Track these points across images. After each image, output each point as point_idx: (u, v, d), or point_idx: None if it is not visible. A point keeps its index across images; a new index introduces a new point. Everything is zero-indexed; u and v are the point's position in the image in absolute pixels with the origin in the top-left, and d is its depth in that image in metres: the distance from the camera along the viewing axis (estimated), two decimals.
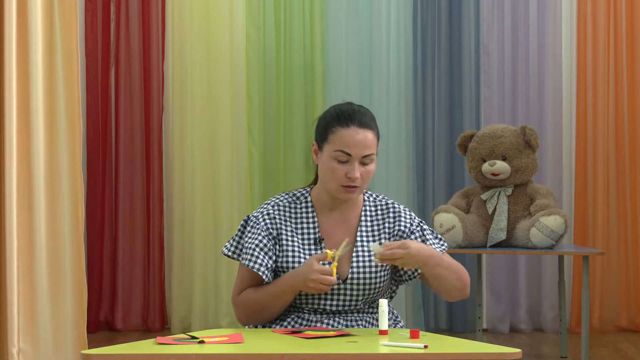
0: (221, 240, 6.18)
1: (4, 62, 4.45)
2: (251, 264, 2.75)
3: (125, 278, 6.29)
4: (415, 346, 2.34)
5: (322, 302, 2.75)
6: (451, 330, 6.26)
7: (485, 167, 5.08)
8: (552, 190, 5.22)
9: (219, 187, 6.23)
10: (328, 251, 2.66)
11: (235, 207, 6.21)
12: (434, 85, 6.26)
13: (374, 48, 6.28)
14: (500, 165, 5.05)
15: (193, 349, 2.33)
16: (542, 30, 6.27)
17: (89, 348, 4.41)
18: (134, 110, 6.29)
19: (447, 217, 4.99)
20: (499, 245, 5.06)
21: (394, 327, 2.83)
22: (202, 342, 2.41)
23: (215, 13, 6.25)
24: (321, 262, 2.67)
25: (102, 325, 6.29)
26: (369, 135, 2.74)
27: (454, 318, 6.27)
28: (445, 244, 2.88)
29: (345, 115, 2.75)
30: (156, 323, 6.25)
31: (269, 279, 2.76)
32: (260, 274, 2.74)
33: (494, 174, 5.07)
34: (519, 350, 2.30)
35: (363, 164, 2.74)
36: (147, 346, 2.39)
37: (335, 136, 2.74)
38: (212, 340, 2.43)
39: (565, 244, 5.41)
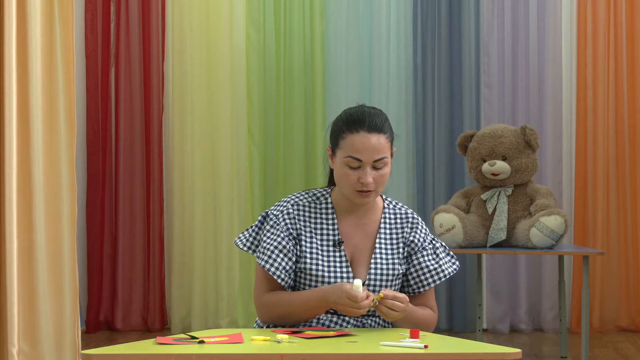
0: (221, 240, 6.18)
1: (4, 62, 4.45)
2: (267, 265, 2.74)
3: (125, 278, 6.29)
4: (415, 346, 2.33)
5: None
6: (451, 330, 6.26)
7: (485, 167, 5.08)
8: (552, 190, 5.22)
9: (219, 187, 6.23)
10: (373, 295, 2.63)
11: (235, 207, 6.21)
12: (434, 85, 6.26)
13: (374, 48, 6.28)
14: (500, 165, 5.05)
15: (193, 349, 2.33)
16: (542, 30, 6.28)
17: (89, 348, 4.41)
18: (134, 110, 6.29)
19: (447, 217, 4.99)
20: (499, 245, 5.06)
21: (389, 326, 2.83)
22: (202, 342, 2.41)
23: (215, 13, 6.25)
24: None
25: (102, 325, 6.28)
26: (379, 139, 2.73)
27: (454, 318, 6.27)
28: (457, 263, 2.88)
29: (355, 120, 2.74)
30: (156, 323, 6.25)
31: (285, 283, 2.75)
32: (276, 277, 2.74)
33: (494, 174, 5.07)
34: (519, 350, 2.29)
35: (375, 168, 2.73)
36: (147, 346, 2.39)
37: (345, 142, 2.73)
38: (212, 340, 2.43)
39: (565, 244, 5.41)
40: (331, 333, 2.55)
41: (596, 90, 6.22)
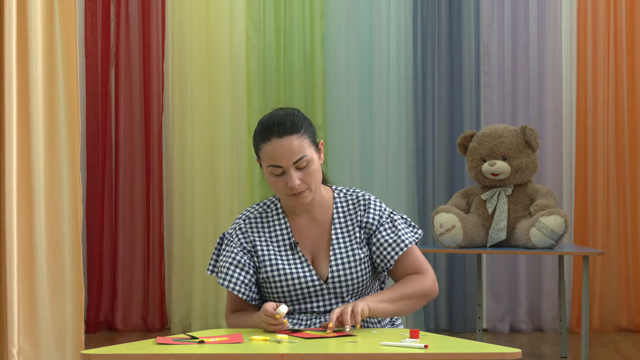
0: None
1: (4, 62, 4.45)
2: (225, 282, 2.77)
3: (125, 278, 6.30)
4: (415, 346, 2.34)
5: (309, 304, 2.76)
6: (451, 330, 6.26)
7: (485, 167, 5.09)
8: (552, 190, 5.22)
9: (219, 187, 6.23)
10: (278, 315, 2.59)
11: (235, 208, 6.21)
12: (434, 85, 6.26)
13: (374, 48, 6.28)
14: (500, 165, 5.05)
15: (193, 349, 2.33)
16: (542, 30, 6.28)
17: (89, 348, 4.41)
18: (134, 110, 6.29)
19: (447, 217, 4.99)
20: (499, 245, 5.06)
21: (391, 326, 2.84)
22: (202, 342, 2.41)
23: (215, 13, 6.25)
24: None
25: (102, 325, 6.29)
26: (293, 140, 2.70)
27: (454, 318, 6.27)
28: (420, 232, 2.85)
29: (265, 129, 2.73)
30: (156, 323, 6.25)
31: (247, 297, 2.77)
32: (236, 292, 2.76)
33: (494, 174, 5.07)
34: (519, 350, 2.29)
35: (299, 168, 2.72)
36: (147, 346, 2.39)
37: (263, 153, 2.74)
38: (212, 340, 2.43)
39: (565, 244, 5.41)
40: (331, 333, 2.55)
41: (596, 90, 6.22)
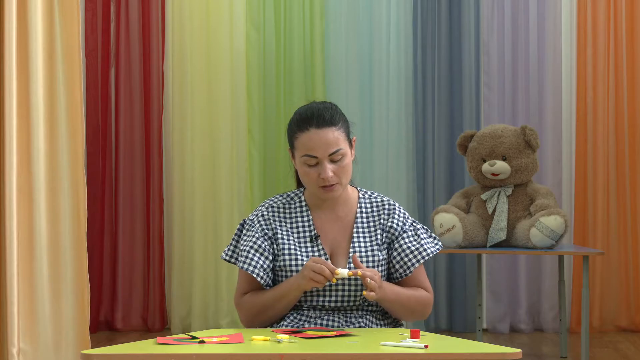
0: (221, 240, 6.19)
1: (4, 62, 4.44)
2: (245, 265, 2.79)
3: (125, 278, 6.29)
4: (415, 346, 2.34)
5: (321, 298, 2.77)
6: (451, 330, 6.26)
7: (485, 167, 5.09)
8: (552, 190, 5.21)
9: (219, 187, 6.23)
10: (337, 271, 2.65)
11: (235, 208, 6.21)
12: (434, 85, 6.26)
13: (374, 48, 6.28)
14: (500, 165, 5.05)
15: (193, 349, 2.33)
16: (542, 30, 6.28)
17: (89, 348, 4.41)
18: (134, 110, 6.29)
19: (447, 217, 5.00)
20: (499, 245, 5.06)
21: (394, 326, 2.85)
22: (202, 342, 2.41)
23: (215, 13, 6.25)
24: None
25: (102, 325, 6.29)
26: (330, 132, 2.75)
27: (454, 318, 6.27)
28: (440, 244, 2.92)
29: (303, 119, 2.78)
30: (156, 323, 6.25)
31: (264, 281, 2.79)
32: (255, 276, 2.78)
33: (494, 174, 5.07)
34: (519, 350, 2.30)
35: (333, 161, 2.76)
36: (147, 346, 2.39)
37: (299, 142, 2.77)
38: (212, 340, 2.44)
39: (565, 244, 5.41)
40: (331, 333, 2.56)
41: (596, 90, 6.22)
